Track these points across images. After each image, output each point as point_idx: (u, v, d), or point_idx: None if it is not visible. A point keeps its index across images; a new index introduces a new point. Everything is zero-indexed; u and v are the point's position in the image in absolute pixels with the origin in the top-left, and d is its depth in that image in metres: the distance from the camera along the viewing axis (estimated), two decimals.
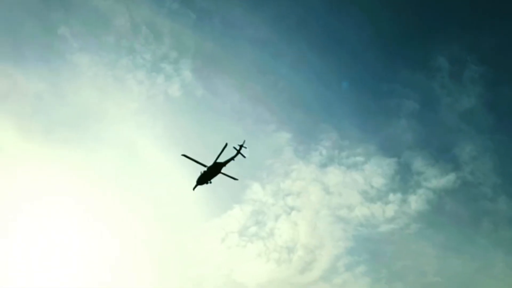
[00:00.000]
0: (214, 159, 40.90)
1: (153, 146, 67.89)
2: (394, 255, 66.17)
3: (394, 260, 65.87)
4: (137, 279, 61.32)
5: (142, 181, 66.57)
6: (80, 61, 67.00)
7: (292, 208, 67.70)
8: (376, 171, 69.65)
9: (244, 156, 41.25)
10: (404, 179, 69.58)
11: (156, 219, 65.15)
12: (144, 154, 67.65)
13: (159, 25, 69.96)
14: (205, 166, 40.72)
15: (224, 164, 41.02)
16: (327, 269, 64.74)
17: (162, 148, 67.82)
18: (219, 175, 42.53)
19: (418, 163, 69.47)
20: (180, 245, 65.03)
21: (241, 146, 40.88)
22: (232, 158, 41.16)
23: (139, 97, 68.69)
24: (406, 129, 72.71)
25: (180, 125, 69.72)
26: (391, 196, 68.18)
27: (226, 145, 39.46)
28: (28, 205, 61.44)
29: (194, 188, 42.76)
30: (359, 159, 70.10)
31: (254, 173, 68.80)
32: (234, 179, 41.79)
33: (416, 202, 67.04)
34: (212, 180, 40.52)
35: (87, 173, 65.49)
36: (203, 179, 41.39)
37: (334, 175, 69.33)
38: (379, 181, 69.08)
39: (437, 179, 68.17)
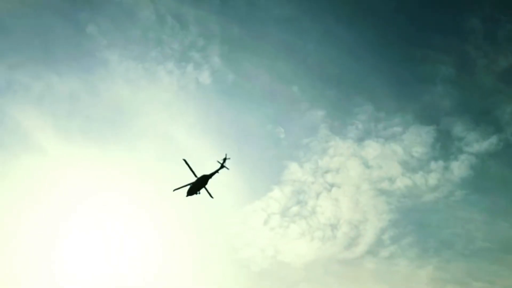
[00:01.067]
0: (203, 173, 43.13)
1: (188, 134, 68.24)
2: (441, 223, 65.64)
3: (441, 228, 65.39)
4: (189, 264, 63.18)
5: (182, 171, 66.99)
6: (110, 57, 67.63)
7: (332, 185, 67.48)
8: (415, 140, 68.55)
9: (227, 168, 43.42)
10: (444, 146, 68.34)
11: (200, 205, 65.72)
12: (180, 143, 68.03)
13: (184, 14, 69.67)
14: (196, 176, 42.97)
15: (210, 176, 43.18)
16: (373, 243, 64.76)
17: (197, 136, 68.16)
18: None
19: (458, 129, 67.94)
20: (225, 230, 65.88)
21: (224, 159, 43.05)
22: (217, 171, 43.27)
23: (171, 87, 68.96)
24: (443, 95, 70.91)
25: (213, 111, 69.87)
26: (433, 164, 67.21)
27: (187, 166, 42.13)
28: (78, 205, 62.85)
29: (187, 196, 44.70)
30: (397, 129, 69.06)
31: (291, 153, 68.92)
32: (211, 196, 43.93)
33: (459, 168, 65.86)
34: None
35: (127, 168, 66.27)
36: (193, 189, 43.67)
37: (373, 148, 68.52)
38: (419, 150, 68.09)
39: (479, 143, 66.65)
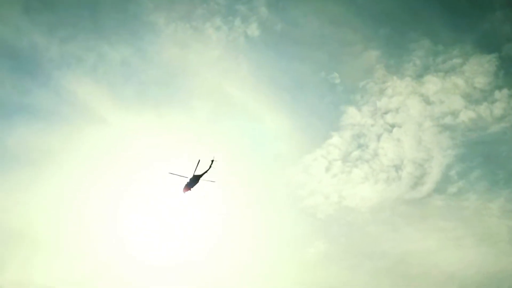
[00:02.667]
0: (193, 173, 44.89)
1: (241, 89, 67.85)
2: (510, 154, 63.25)
3: (510, 159, 63.06)
4: (256, 217, 64.80)
5: (239, 125, 67.36)
6: (157, 20, 67.13)
7: (392, 126, 65.95)
8: (476, 71, 65.38)
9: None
10: (508, 74, 64.92)
11: (262, 158, 66.42)
12: (234, 98, 67.93)
13: None
14: (187, 177, 44.70)
15: (201, 175, 44.95)
16: (439, 180, 63.55)
17: (250, 89, 67.73)
18: None
19: None
20: (288, 180, 66.20)
21: (212, 161, 44.95)
22: (206, 171, 44.99)
23: (220, 43, 68.13)
24: (503, 21, 66.46)
25: (264, 63, 68.74)
26: (497, 94, 64.16)
27: (199, 160, 44.18)
28: (142, 172, 64.34)
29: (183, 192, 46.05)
30: (456, 61, 65.93)
31: (347, 98, 67.56)
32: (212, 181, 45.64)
33: None
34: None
35: (184, 128, 66.89)
36: (187, 187, 45.29)
37: (432, 84, 65.92)
38: (481, 81, 65.00)
39: None
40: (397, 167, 64.31)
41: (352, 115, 66.33)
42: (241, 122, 67.28)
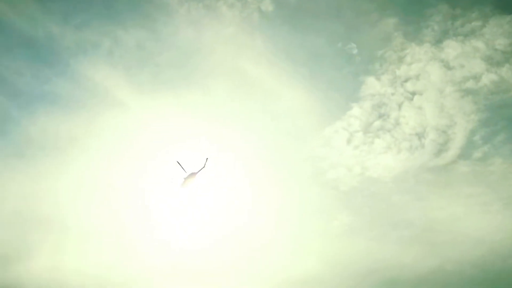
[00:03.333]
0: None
1: (257, 65, 67.36)
2: None
3: None
4: (279, 192, 65.15)
5: (257, 101, 67.19)
6: (170, 1, 67.07)
7: (413, 93, 65.02)
8: (497, 32, 63.67)
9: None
10: None
11: (281, 133, 66.34)
12: (251, 76, 67.54)
13: None
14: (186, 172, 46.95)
15: (197, 173, 47.59)
16: (464, 146, 62.75)
17: (266, 65, 67.15)
18: None
19: None
20: (309, 154, 66.12)
21: (206, 159, 48.01)
22: (201, 169, 47.73)
23: (234, 21, 67.50)
24: None
25: (279, 38, 67.90)
26: None
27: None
28: (163, 154, 64.45)
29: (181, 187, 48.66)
30: (476, 24, 64.27)
31: (365, 68, 66.61)
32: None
33: None
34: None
35: (202, 108, 66.96)
36: (185, 183, 48.07)
37: (452, 48, 64.50)
38: (502, 42, 63.39)
39: None
40: (420, 135, 63.68)
41: (372, 85, 65.58)
42: (259, 99, 67.01)
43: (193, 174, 47.34)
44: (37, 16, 65.51)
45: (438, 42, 64.84)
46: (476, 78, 63.16)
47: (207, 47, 67.65)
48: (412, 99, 64.80)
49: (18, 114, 65.09)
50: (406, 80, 65.16)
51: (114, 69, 66.92)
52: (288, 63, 66.58)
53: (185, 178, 47.84)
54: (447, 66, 64.22)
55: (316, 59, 67.46)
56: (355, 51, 66.48)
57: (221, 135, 66.73)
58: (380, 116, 65.19)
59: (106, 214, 64.16)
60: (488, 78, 62.75)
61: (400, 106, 64.89)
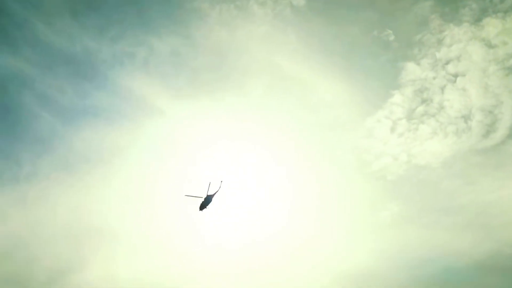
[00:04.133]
0: (206, 193, 46.58)
1: (292, 61, 67.00)
2: None
3: None
4: (324, 186, 64.48)
5: (295, 97, 66.86)
6: (201, 5, 67.01)
7: (455, 75, 63.49)
8: None
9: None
10: None
11: (322, 127, 65.83)
12: (286, 72, 67.21)
13: None
14: (201, 197, 46.35)
15: (213, 195, 46.64)
16: None
17: (302, 60, 66.71)
18: None
19: None
20: (353, 146, 65.41)
21: (221, 182, 46.99)
22: (217, 191, 46.72)
23: (266, 18, 67.17)
24: None
25: (313, 31, 67.26)
26: None
27: (210, 183, 46.49)
28: (207, 157, 64.94)
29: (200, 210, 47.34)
30: None
31: (404, 54, 65.45)
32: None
33: None
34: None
35: (243, 110, 66.99)
36: (202, 206, 46.80)
37: (492, 26, 62.61)
38: None
39: None
40: (466, 117, 62.10)
41: (412, 70, 64.31)
42: (297, 94, 66.63)
43: (209, 197, 46.75)
44: (73, 33, 66.87)
45: (477, 20, 63.15)
46: None
47: (241, 47, 67.68)
48: (455, 81, 63.36)
49: (63, 129, 66.54)
50: (447, 63, 63.77)
51: (150, 77, 67.67)
52: (324, 56, 66.04)
53: (201, 203, 46.96)
54: (489, 45, 62.51)
55: (352, 49, 66.72)
56: (391, 38, 65.38)
57: (260, 133, 66.79)
58: (423, 101, 64.00)
59: (153, 221, 64.83)
60: None
61: (443, 89, 63.55)
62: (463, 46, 63.06)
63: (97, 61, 67.26)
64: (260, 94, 67.29)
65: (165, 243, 64.03)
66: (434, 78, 63.54)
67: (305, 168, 65.39)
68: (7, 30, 65.58)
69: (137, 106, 66.83)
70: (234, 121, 67.41)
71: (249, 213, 65.02)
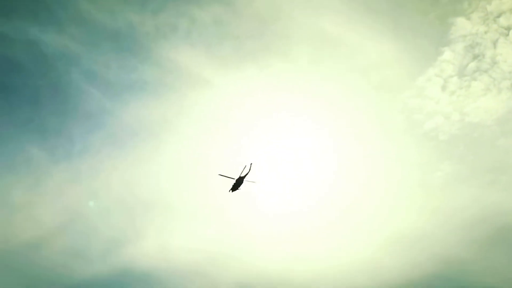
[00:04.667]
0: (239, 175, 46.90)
1: (337, 23, 65.76)
2: None
3: None
4: (375, 148, 64.04)
5: (342, 60, 65.92)
6: None
7: (508, 28, 61.32)
8: None
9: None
10: None
11: (370, 89, 64.91)
12: (333, 35, 66.02)
13: None
14: (233, 178, 46.80)
15: (244, 177, 46.97)
16: None
17: (346, 21, 65.40)
18: None
19: None
20: (403, 107, 64.36)
21: (251, 164, 46.72)
22: (247, 174, 46.85)
23: None
24: None
25: None
26: None
27: (245, 166, 46.53)
28: (254, 128, 65.07)
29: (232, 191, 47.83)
30: None
31: (453, 8, 63.33)
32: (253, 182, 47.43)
33: None
34: None
35: (289, 78, 66.46)
36: (234, 187, 47.45)
37: None
38: None
39: None
40: None
41: (462, 25, 62.27)
42: (344, 57, 65.59)
43: (240, 179, 47.04)
44: (115, 8, 67.00)
45: None
46: None
47: (285, 13, 66.67)
48: (507, 35, 61.22)
49: (111, 105, 67.45)
50: (499, 16, 61.54)
51: (194, 48, 67.53)
52: (369, 16, 64.44)
53: (233, 185, 47.43)
54: None
55: (398, 7, 64.86)
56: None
57: (308, 99, 66.30)
58: (475, 57, 62.10)
59: (204, 191, 65.60)
60: None
61: (495, 43, 61.50)
62: None
63: (140, 35, 67.55)
64: (305, 60, 66.62)
65: (217, 211, 64.88)
66: (485, 32, 61.53)
67: (355, 131, 64.73)
68: (51, 10, 66.31)
69: (182, 77, 67.02)
70: (280, 88, 67.07)
71: (298, 179, 65.20)
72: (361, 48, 65.16)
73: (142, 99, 67.49)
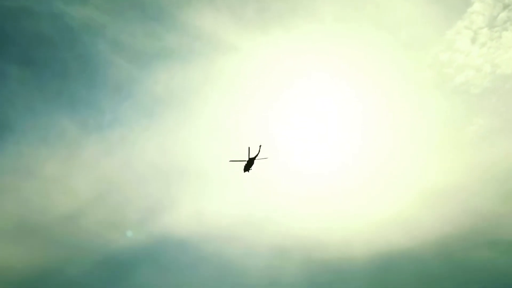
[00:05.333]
0: (248, 157, 48.09)
1: None
2: None
3: None
4: (406, 104, 63.05)
5: (370, 18, 65.10)
6: None
7: None
8: None
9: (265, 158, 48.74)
10: None
11: (399, 46, 64.21)
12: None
13: None
14: (245, 160, 48.04)
15: (254, 158, 48.29)
16: None
17: None
18: None
19: None
20: (433, 61, 63.81)
21: (260, 146, 48.04)
22: (257, 155, 48.29)
23: None
24: None
25: None
26: None
27: (249, 148, 47.93)
28: (286, 89, 64.92)
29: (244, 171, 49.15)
30: None
31: None
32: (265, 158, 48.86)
33: None
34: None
35: (316, 38, 65.78)
36: (246, 167, 48.68)
37: None
38: None
39: None
40: None
41: None
42: (371, 15, 64.74)
43: (251, 159, 48.32)
44: None
45: None
46: None
47: None
48: None
49: (139, 74, 67.63)
50: None
51: (219, 12, 67.01)
52: None
53: (245, 165, 48.60)
54: None
55: None
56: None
57: (336, 59, 65.90)
58: (505, 6, 61.08)
59: (236, 156, 65.84)
60: None
61: None
62: None
63: (164, 2, 67.26)
64: (332, 19, 65.84)
65: (248, 176, 65.18)
66: None
67: (384, 88, 64.40)
68: None
69: (208, 44, 66.80)
70: (307, 50, 66.58)
71: (330, 139, 65.32)
72: (388, 5, 64.41)
73: (169, 67, 67.59)
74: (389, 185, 62.30)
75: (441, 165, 62.06)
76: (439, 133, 63.05)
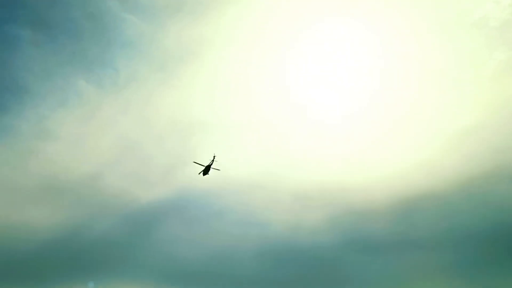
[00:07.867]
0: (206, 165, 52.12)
1: None
2: None
3: None
4: (424, 40, 61.39)
5: None
6: None
7: None
8: None
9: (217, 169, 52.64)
10: None
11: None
12: None
13: None
14: (203, 166, 52.03)
15: (210, 166, 52.04)
16: None
17: None
18: None
19: None
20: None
21: (214, 157, 51.91)
22: (211, 164, 52.03)
23: None
24: None
25: None
26: None
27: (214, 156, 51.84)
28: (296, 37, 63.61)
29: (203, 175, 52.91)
30: None
31: None
32: (217, 170, 52.57)
33: None
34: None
35: None
36: (204, 172, 52.65)
37: None
38: None
39: None
40: None
41: None
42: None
43: (207, 167, 52.29)
44: None
45: None
46: None
47: None
48: None
49: (149, 29, 67.00)
50: None
51: None
52: None
53: (202, 171, 52.49)
54: None
55: None
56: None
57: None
58: None
59: (254, 107, 65.90)
60: None
61: None
62: None
63: None
64: None
65: (268, 127, 65.37)
66: None
67: (400, 26, 62.87)
68: None
69: None
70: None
71: (353, 85, 64.74)
72: None
73: (179, 20, 66.63)
74: (412, 131, 61.86)
75: (461, 105, 61.02)
76: (459, 71, 61.76)
